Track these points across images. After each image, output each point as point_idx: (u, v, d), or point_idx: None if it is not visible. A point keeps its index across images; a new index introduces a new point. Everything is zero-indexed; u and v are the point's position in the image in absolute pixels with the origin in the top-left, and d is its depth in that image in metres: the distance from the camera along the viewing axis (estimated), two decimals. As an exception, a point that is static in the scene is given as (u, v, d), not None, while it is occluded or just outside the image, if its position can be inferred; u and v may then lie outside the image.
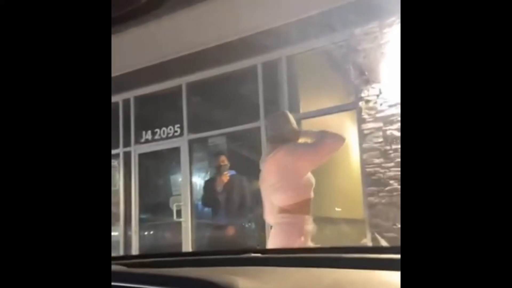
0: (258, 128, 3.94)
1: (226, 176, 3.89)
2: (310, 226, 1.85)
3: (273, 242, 1.81)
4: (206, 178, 4.19)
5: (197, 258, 0.98)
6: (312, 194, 1.89)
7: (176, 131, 4.48)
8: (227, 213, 3.78)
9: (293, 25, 3.57)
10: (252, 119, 4.02)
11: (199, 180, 4.44)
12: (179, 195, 4.38)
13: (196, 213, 4.31)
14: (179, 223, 4.26)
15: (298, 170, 1.85)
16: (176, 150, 4.44)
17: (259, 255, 0.91)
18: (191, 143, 4.41)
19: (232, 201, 3.80)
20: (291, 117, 2.03)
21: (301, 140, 1.97)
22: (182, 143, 4.41)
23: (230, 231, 3.75)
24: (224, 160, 3.90)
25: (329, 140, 1.86)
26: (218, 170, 3.89)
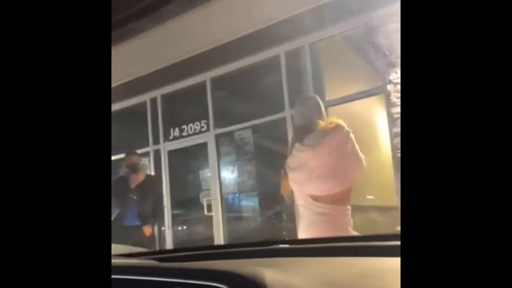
0: (284, 119, 3.91)
1: (141, 175, 3.80)
2: (349, 218, 1.82)
3: (316, 233, 1.74)
4: (115, 177, 3.96)
5: (227, 251, 0.99)
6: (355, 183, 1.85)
7: (202, 127, 4.53)
8: (139, 213, 3.64)
9: (312, 12, 3.50)
10: (277, 110, 4.00)
11: (228, 174, 4.47)
12: (209, 189, 4.44)
13: (226, 207, 4.36)
14: (210, 217, 4.32)
15: (347, 161, 1.83)
16: (204, 145, 4.49)
17: (287, 246, 0.91)
18: (217, 137, 4.44)
19: (145, 201, 3.67)
20: (318, 98, 2.01)
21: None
22: (209, 138, 4.46)
23: (147, 231, 3.63)
24: (135, 159, 3.80)
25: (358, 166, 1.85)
26: (131, 169, 3.76)
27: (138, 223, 3.64)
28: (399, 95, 3.29)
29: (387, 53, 3.31)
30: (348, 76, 3.93)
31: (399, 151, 3.26)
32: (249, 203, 4.35)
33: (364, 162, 1.84)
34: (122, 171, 4.00)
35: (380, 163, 3.62)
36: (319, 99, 1.99)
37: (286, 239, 0.95)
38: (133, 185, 3.72)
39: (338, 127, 1.83)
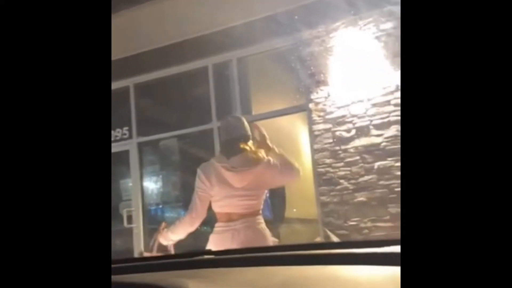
0: (211, 130, 3.90)
1: None
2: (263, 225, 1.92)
3: (248, 244, 1.77)
4: None
5: (149, 263, 0.94)
6: None
7: (124, 134, 4.32)
8: None
9: (243, 27, 3.59)
10: (204, 121, 3.98)
11: (151, 184, 4.30)
12: (130, 200, 4.22)
13: (148, 218, 4.18)
14: (130, 229, 4.10)
15: (270, 184, 1.98)
16: (125, 153, 4.28)
17: (212, 256, 0.90)
18: (140, 146, 4.27)
19: None
20: (245, 121, 2.02)
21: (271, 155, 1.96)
22: (131, 146, 4.27)
23: None
24: None
25: (292, 172, 1.95)
26: None
27: None
28: (320, 113, 3.49)
29: (314, 75, 3.51)
30: (274, 92, 4.07)
31: (320, 166, 3.44)
32: (173, 215, 4.22)
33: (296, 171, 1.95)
34: None
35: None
36: (243, 120, 2.02)
37: (212, 249, 0.94)
38: None
39: (265, 163, 1.90)
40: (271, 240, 1.89)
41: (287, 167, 1.92)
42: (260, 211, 1.91)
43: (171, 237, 1.97)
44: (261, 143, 1.95)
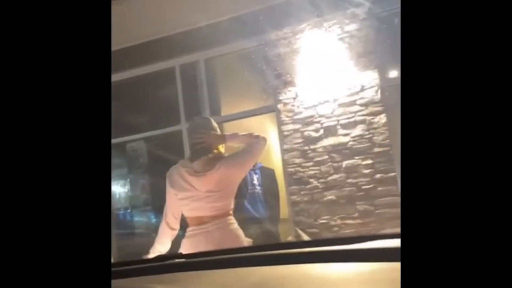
0: (180, 132, 3.85)
1: None
2: (236, 225, 1.89)
3: (221, 245, 1.74)
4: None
5: (119, 269, 0.92)
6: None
7: (89, 138, 4.18)
8: None
9: (209, 28, 3.57)
10: (173, 122, 3.92)
11: (118, 188, 4.18)
12: (96, 205, 4.08)
13: (116, 223, 4.06)
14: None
15: (237, 179, 1.91)
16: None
17: (183, 260, 0.88)
18: (107, 149, 4.14)
19: None
20: (213, 122, 1.99)
21: (229, 144, 1.95)
22: (97, 150, 4.13)
23: None
24: None
25: (257, 143, 1.89)
26: None
27: None
28: (289, 114, 3.53)
29: (282, 76, 3.54)
30: (243, 93, 4.07)
31: (290, 166, 3.48)
32: (142, 219, 4.13)
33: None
34: None
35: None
36: (211, 122, 1.99)
37: (182, 253, 0.93)
38: None
39: (225, 158, 1.88)
40: (245, 240, 1.86)
41: (248, 142, 1.88)
42: (231, 211, 1.89)
43: (159, 249, 1.90)
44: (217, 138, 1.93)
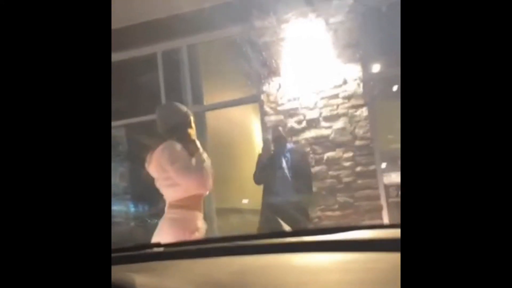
0: (161, 120, 3.79)
1: None
2: (201, 222, 1.84)
3: (161, 237, 1.74)
4: None
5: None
6: (205, 191, 1.86)
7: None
8: None
9: (194, 13, 3.51)
10: (154, 110, 3.86)
11: (95, 176, 4.11)
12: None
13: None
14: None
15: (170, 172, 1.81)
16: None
17: (161, 249, 0.87)
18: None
19: None
20: (181, 107, 1.95)
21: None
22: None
23: None
24: None
25: (196, 183, 1.79)
26: None
27: None
28: (272, 105, 3.52)
29: (266, 66, 3.51)
30: (226, 82, 4.04)
31: (271, 156, 3.48)
32: (121, 207, 4.07)
33: (209, 180, 1.84)
34: None
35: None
36: (175, 109, 1.95)
37: (161, 242, 0.91)
38: None
39: (166, 142, 1.83)
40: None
41: (198, 177, 1.78)
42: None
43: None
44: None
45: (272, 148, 3.16)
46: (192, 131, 1.92)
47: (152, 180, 1.90)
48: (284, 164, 3.07)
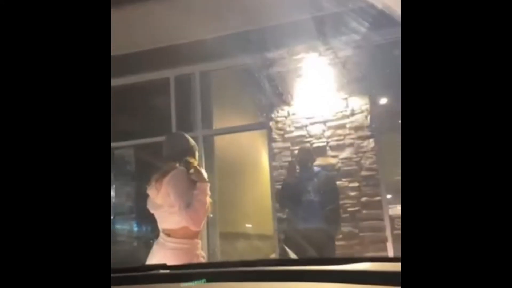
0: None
1: None
2: (200, 251, 1.84)
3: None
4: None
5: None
6: (196, 229, 1.82)
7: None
8: None
9: (209, 42, 3.62)
10: (163, 132, 3.92)
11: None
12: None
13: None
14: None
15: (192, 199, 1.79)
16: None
17: (168, 271, 0.88)
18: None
19: None
20: (190, 138, 1.99)
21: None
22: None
23: None
24: None
25: (190, 220, 1.77)
26: None
27: None
28: (280, 132, 3.56)
29: (276, 95, 3.58)
30: (236, 109, 4.10)
31: (278, 183, 3.49)
32: (125, 227, 4.07)
33: (206, 207, 1.83)
34: None
35: (261, 194, 3.81)
36: (183, 139, 1.97)
37: (167, 264, 0.92)
38: None
39: (176, 170, 1.85)
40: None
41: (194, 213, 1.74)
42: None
43: None
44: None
45: (298, 169, 2.97)
46: (195, 162, 1.92)
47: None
48: (310, 187, 2.85)
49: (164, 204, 1.82)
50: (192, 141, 1.98)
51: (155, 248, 1.84)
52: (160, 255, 1.79)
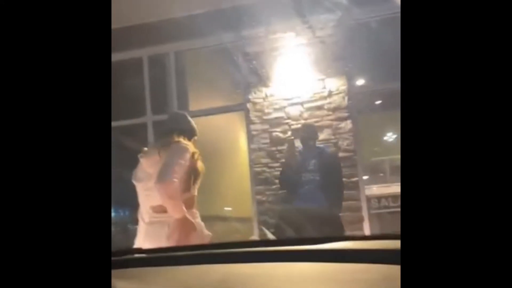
0: (145, 124, 3.76)
1: None
2: (199, 219, 1.81)
3: (167, 240, 1.67)
4: None
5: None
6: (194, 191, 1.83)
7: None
8: None
9: (184, 20, 3.51)
10: (138, 114, 3.82)
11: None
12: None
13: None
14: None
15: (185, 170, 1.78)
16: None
17: (143, 255, 0.86)
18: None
19: None
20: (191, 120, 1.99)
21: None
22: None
23: None
24: None
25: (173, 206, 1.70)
26: None
27: None
28: (258, 113, 3.53)
29: (253, 75, 3.53)
30: (212, 90, 4.03)
31: (256, 165, 3.48)
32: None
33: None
34: None
35: (239, 177, 3.80)
36: (178, 116, 1.99)
37: (142, 248, 0.90)
38: None
39: (176, 142, 1.83)
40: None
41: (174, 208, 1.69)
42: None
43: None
44: None
45: (300, 147, 2.79)
46: (195, 143, 1.90)
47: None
48: (312, 166, 2.73)
49: (155, 173, 1.72)
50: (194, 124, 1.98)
51: (150, 229, 1.75)
52: (163, 232, 1.69)
